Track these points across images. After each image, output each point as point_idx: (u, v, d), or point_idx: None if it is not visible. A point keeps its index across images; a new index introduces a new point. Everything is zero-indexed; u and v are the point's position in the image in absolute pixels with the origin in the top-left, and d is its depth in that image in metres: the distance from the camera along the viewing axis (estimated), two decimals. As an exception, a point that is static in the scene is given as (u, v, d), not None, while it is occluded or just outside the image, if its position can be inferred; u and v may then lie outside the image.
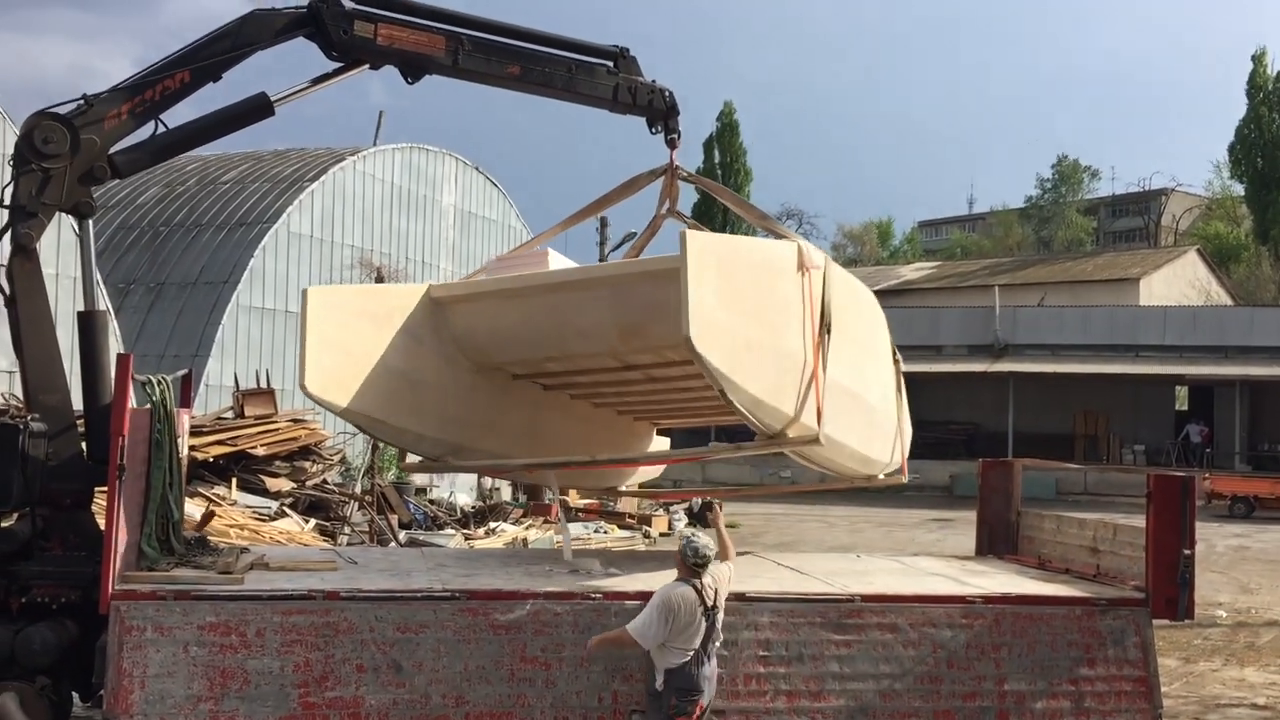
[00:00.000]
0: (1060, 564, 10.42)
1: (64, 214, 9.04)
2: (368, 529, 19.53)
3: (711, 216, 46.11)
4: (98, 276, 9.38)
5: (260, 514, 17.72)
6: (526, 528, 22.55)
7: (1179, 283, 59.01)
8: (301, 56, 9.43)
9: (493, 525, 22.82)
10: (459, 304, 10.08)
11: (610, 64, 10.25)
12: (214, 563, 8.73)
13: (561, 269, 9.93)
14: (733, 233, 10.05)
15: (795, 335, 8.58)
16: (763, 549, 14.38)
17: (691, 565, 7.63)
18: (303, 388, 9.19)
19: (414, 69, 9.60)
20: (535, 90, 10.10)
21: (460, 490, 27.58)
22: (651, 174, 10.49)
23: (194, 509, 14.75)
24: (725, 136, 61.72)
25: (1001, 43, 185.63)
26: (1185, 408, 47.38)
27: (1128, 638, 8.87)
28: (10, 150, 8.83)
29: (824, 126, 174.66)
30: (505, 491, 29.17)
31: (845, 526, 29.18)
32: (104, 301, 18.15)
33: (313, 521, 18.67)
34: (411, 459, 10.82)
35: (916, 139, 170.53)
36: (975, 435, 41.64)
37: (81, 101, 8.74)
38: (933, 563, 11.29)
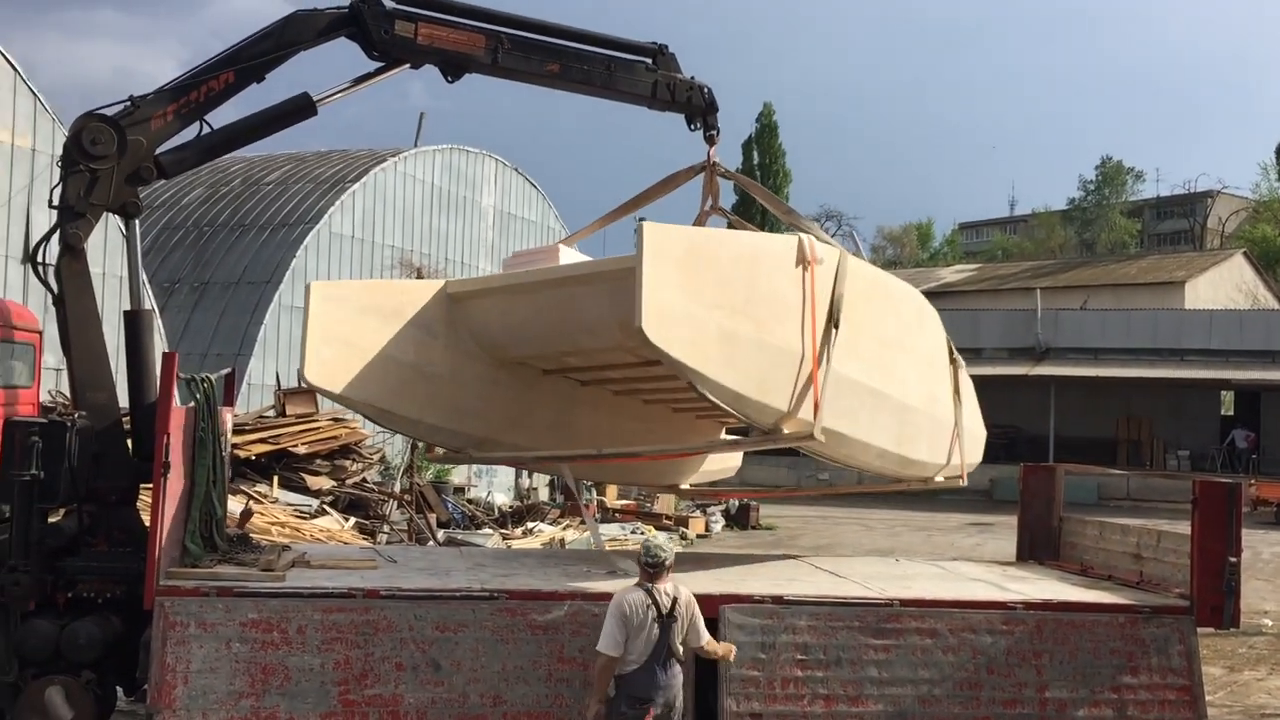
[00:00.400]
0: (1103, 570, 10.32)
1: (111, 214, 9.17)
2: (407, 528, 19.63)
3: (754, 214, 46.09)
4: (143, 276, 9.50)
5: (301, 512, 17.86)
6: (564, 528, 22.57)
7: (1225, 286, 58.20)
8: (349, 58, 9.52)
9: (530, 525, 22.88)
10: (473, 300, 10.18)
11: (649, 61, 10.27)
12: (256, 560, 8.81)
13: (566, 264, 9.94)
14: (772, 230, 10.00)
15: (791, 330, 8.52)
16: (800, 552, 14.32)
17: (644, 565, 7.59)
18: (302, 377, 9.45)
19: (454, 68, 9.66)
20: (574, 88, 10.13)
21: (498, 490, 27.69)
22: (690, 170, 10.51)
23: (236, 506, 14.89)
24: (764, 138, 61.44)
25: (1044, 42, 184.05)
26: (1231, 413, 46.74)
27: (1172, 646, 8.77)
28: (59, 151, 8.95)
29: (864, 128, 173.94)
30: (543, 492, 29.25)
31: (883, 530, 29.01)
32: (149, 301, 18.35)
33: (352, 520, 18.80)
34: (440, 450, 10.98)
35: (957, 140, 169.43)
36: (1016, 439, 41.21)
37: (128, 103, 8.86)
38: (973, 568, 11.21)
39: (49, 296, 8.90)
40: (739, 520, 28.46)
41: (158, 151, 8.96)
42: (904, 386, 9.83)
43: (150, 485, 8.13)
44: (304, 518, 17.56)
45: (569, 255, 10.08)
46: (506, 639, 8.04)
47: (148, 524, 8.19)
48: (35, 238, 8.99)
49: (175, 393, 8.26)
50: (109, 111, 8.81)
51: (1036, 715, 8.47)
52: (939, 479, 10.85)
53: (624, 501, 28.18)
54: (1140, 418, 43.34)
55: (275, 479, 18.62)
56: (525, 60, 9.80)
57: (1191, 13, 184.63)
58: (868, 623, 8.45)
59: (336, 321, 9.55)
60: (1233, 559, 8.87)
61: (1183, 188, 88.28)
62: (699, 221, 10.77)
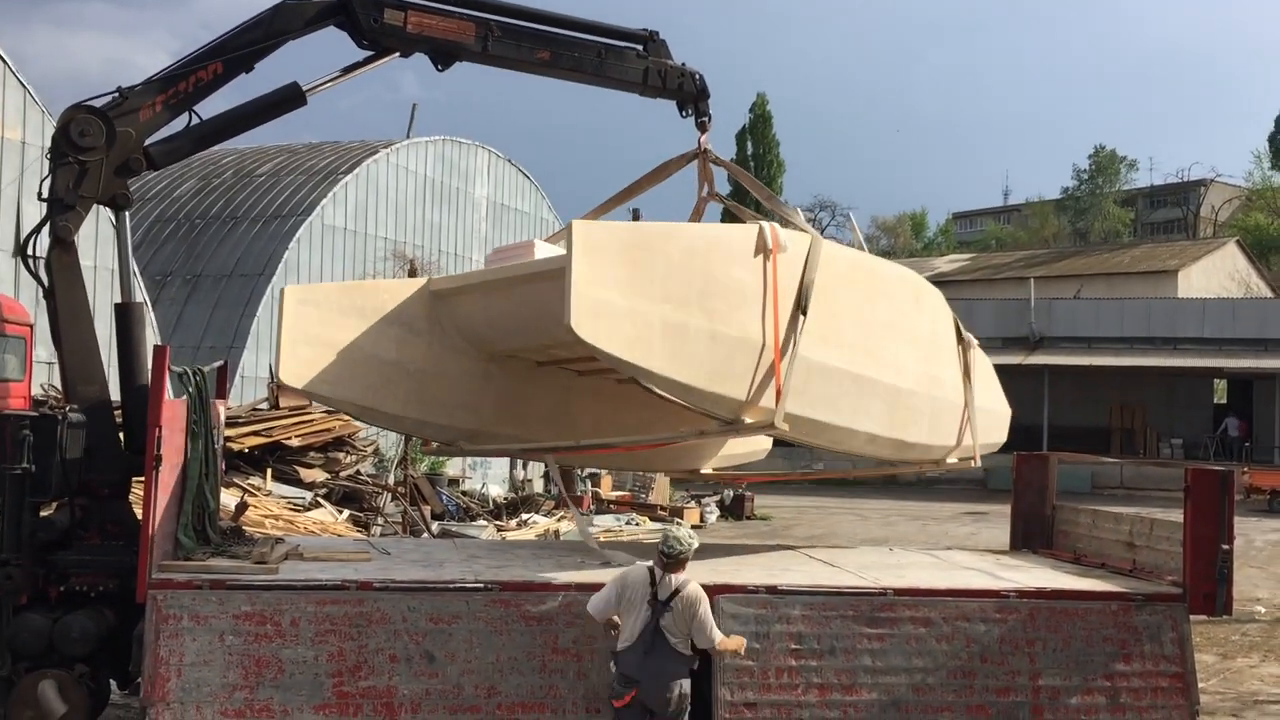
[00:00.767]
0: (1096, 559, 10.34)
1: (101, 206, 9.13)
2: (401, 520, 19.63)
3: (751, 199, 46.31)
4: (135, 268, 9.50)
5: (295, 504, 17.85)
6: (559, 520, 22.58)
7: (1218, 275, 58.29)
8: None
9: (525, 517, 22.89)
10: (455, 296, 10.21)
11: (640, 48, 10.24)
12: (249, 553, 8.80)
13: (539, 259, 9.96)
14: (769, 215, 9.93)
15: (749, 319, 8.50)
16: (794, 541, 14.33)
17: (660, 554, 7.63)
18: (278, 380, 9.57)
19: (444, 56, 9.63)
20: (565, 75, 10.11)
21: (493, 482, 27.68)
22: (682, 159, 10.50)
23: (229, 499, 14.88)
24: (758, 128, 61.50)
25: (1037, 31, 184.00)
26: (1224, 401, 46.84)
27: (1164, 633, 8.79)
28: (49, 144, 8.91)
29: (857, 118, 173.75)
30: (538, 484, 29.24)
31: (878, 519, 29.05)
32: (141, 293, 18.34)
33: (346, 512, 18.79)
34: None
35: (950, 130, 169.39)
36: (1009, 428, 41.27)
37: (116, 94, 8.82)
38: (967, 556, 11.23)
39: (39, 289, 8.87)
40: (734, 510, 28.50)
41: (147, 143, 8.93)
42: (896, 370, 9.77)
43: (142, 478, 8.11)
44: (297, 510, 17.55)
45: (544, 250, 10.07)
46: (500, 630, 8.04)
47: (140, 517, 8.17)
48: (25, 230, 8.93)
49: (167, 386, 8.24)
50: (97, 103, 8.77)
51: (1030, 703, 8.49)
52: (951, 460, 10.81)
53: (619, 493, 28.21)
54: (1133, 406, 43.43)
55: (269, 472, 18.60)
56: (516, 48, 9.77)
57: (1184, 1, 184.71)
58: (862, 612, 8.46)
59: (312, 323, 9.62)
60: (1225, 546, 8.90)
61: (1176, 176, 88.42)
62: (697, 209, 10.74)
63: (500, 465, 29.42)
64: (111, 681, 8.81)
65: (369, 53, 9.55)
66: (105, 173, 8.76)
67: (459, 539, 15.46)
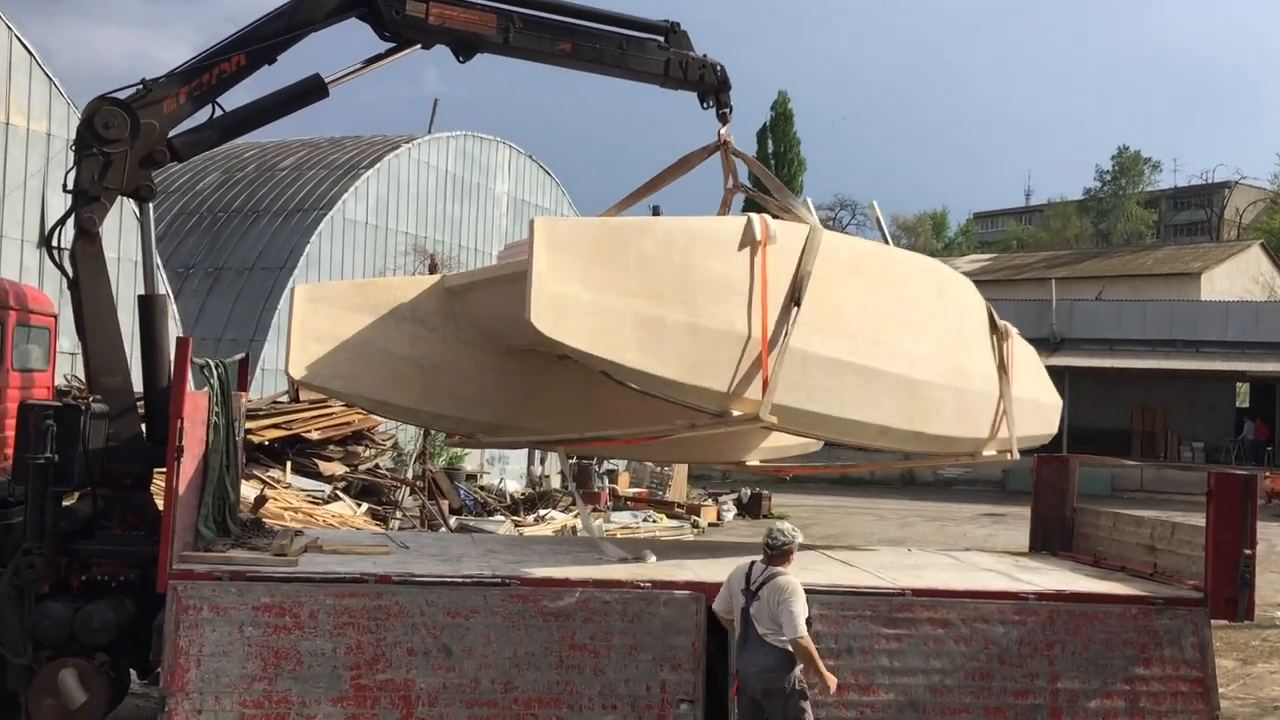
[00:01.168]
0: (1116, 562, 10.28)
1: (125, 198, 9.18)
2: (419, 514, 19.68)
3: (780, 174, 46.46)
4: (158, 260, 9.54)
5: (314, 497, 17.92)
6: (576, 515, 22.60)
7: (1241, 277, 57.89)
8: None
9: (542, 512, 22.91)
10: (468, 292, 10.25)
11: (661, 39, 10.23)
12: (269, 545, 8.85)
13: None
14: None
15: (734, 312, 8.48)
16: (811, 541, 14.30)
17: (764, 546, 7.66)
18: (288, 375, 9.65)
19: (466, 48, 9.65)
20: (586, 67, 10.11)
21: (510, 477, 27.72)
22: (703, 151, 10.47)
23: (250, 491, 14.95)
24: (779, 126, 61.30)
25: (1060, 30, 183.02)
26: (1246, 404, 46.52)
27: (1185, 637, 8.74)
28: (74, 136, 8.97)
29: (879, 117, 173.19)
30: (555, 479, 29.27)
31: (895, 520, 28.97)
32: (164, 285, 18.42)
33: (365, 506, 18.85)
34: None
35: (972, 129, 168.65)
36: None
37: (140, 86, 8.87)
38: (985, 558, 11.18)
39: (64, 280, 8.93)
40: (751, 509, 28.46)
41: (171, 134, 8.97)
42: (909, 362, 9.62)
43: (164, 469, 8.15)
44: (317, 503, 17.62)
45: None
46: (518, 625, 8.06)
47: (161, 508, 8.22)
48: (50, 222, 9.01)
49: (189, 378, 8.28)
50: (122, 95, 8.82)
51: (1048, 706, 8.45)
52: (988, 452, 10.62)
53: (636, 489, 28.21)
54: (1155, 409, 43.17)
55: (288, 464, 18.68)
56: (537, 39, 9.78)
57: (1210, 2, 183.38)
58: (880, 612, 8.44)
59: (323, 320, 9.68)
60: (1247, 551, 8.84)
61: (1200, 178, 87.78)
62: (724, 201, 10.70)
63: (518, 461, 29.47)
64: (131, 671, 8.87)
65: (391, 44, 9.57)
66: (129, 164, 8.81)
67: (477, 534, 15.49)
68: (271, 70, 9.22)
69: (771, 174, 10.76)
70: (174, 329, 16.65)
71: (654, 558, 9.45)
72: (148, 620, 8.24)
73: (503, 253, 10.91)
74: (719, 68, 10.40)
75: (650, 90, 10.44)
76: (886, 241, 11.31)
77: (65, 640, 8.23)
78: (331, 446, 19.81)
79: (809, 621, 7.45)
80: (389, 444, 21.76)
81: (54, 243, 8.97)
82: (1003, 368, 10.52)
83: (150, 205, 9.23)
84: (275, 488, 17.17)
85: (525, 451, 29.04)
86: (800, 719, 7.41)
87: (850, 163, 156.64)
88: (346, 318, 9.78)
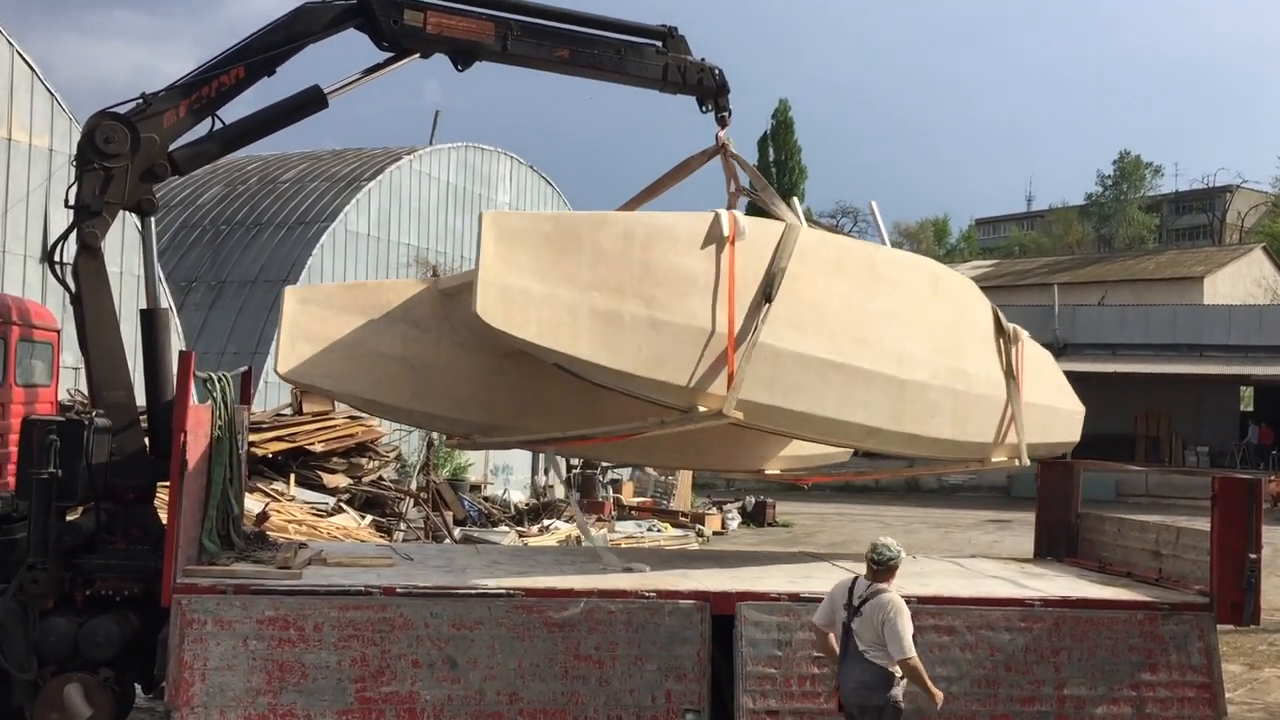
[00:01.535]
0: (1121, 567, 10.26)
1: (127, 212, 9.20)
2: (423, 525, 19.67)
3: (781, 182, 46.73)
4: (160, 274, 9.55)
5: (318, 510, 17.91)
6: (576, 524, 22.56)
7: (1244, 281, 57.87)
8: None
9: (546, 523, 22.89)
10: (461, 294, 10.21)
11: (659, 44, 10.24)
12: (273, 558, 8.84)
13: None
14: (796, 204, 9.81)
15: (699, 306, 8.48)
16: (816, 548, 14.27)
17: (867, 561, 7.59)
18: (277, 373, 9.65)
19: (464, 56, 9.67)
20: (585, 73, 10.13)
21: (514, 488, 27.70)
22: (703, 155, 10.47)
23: (253, 504, 14.95)
24: (780, 134, 61.35)
25: (1061, 36, 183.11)
26: (1251, 408, 46.46)
27: (1191, 643, 8.71)
28: (75, 151, 8.99)
29: (879, 124, 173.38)
30: (559, 489, 29.25)
31: (900, 526, 28.90)
32: (166, 299, 18.46)
33: (369, 517, 18.84)
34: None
35: (973, 135, 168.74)
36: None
37: (140, 100, 8.89)
38: (990, 565, 11.15)
39: (67, 295, 8.93)
40: (755, 517, 28.42)
41: (171, 148, 8.99)
42: (899, 361, 9.47)
43: (167, 483, 8.15)
44: (321, 515, 17.61)
45: None
46: (523, 636, 8.04)
47: (165, 522, 8.22)
48: (53, 237, 9.02)
49: (192, 391, 8.28)
50: (122, 110, 8.84)
51: (1055, 713, 8.43)
52: (998, 459, 10.40)
53: (640, 499, 28.18)
54: (1159, 413, 43.14)
55: (292, 477, 18.67)
56: (535, 46, 9.80)
57: (1210, 5, 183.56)
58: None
59: (313, 320, 9.70)
60: (1253, 555, 8.82)
61: (1201, 182, 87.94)
62: (730, 204, 10.68)
63: (522, 471, 29.46)
64: (136, 685, 8.85)
65: (389, 54, 9.60)
66: (130, 178, 8.82)
67: (481, 544, 15.47)
68: (271, 82, 9.27)
69: (759, 174, 10.73)
70: (177, 342, 16.68)
71: (647, 568, 9.42)
72: (152, 634, 8.23)
73: None
74: (717, 71, 10.41)
75: (653, 99, 10.47)
76: (884, 241, 11.24)
77: (70, 655, 8.22)
78: (335, 459, 19.79)
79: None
80: (393, 456, 21.75)
81: (56, 258, 8.98)
82: (1010, 371, 10.31)
83: (152, 219, 9.24)
84: (279, 500, 17.17)
85: (529, 462, 29.04)
86: None
87: (852, 170, 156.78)
88: (336, 318, 9.79)
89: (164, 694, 7.82)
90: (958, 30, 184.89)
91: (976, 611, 8.58)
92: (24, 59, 19.65)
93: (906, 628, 7.26)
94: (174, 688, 7.62)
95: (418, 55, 9.64)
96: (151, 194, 9.04)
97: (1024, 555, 12.04)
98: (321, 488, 19.00)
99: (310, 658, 7.78)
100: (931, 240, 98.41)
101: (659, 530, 24.13)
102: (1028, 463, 10.53)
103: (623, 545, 20.39)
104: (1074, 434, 11.44)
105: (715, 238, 8.64)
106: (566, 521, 23.20)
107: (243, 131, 9.35)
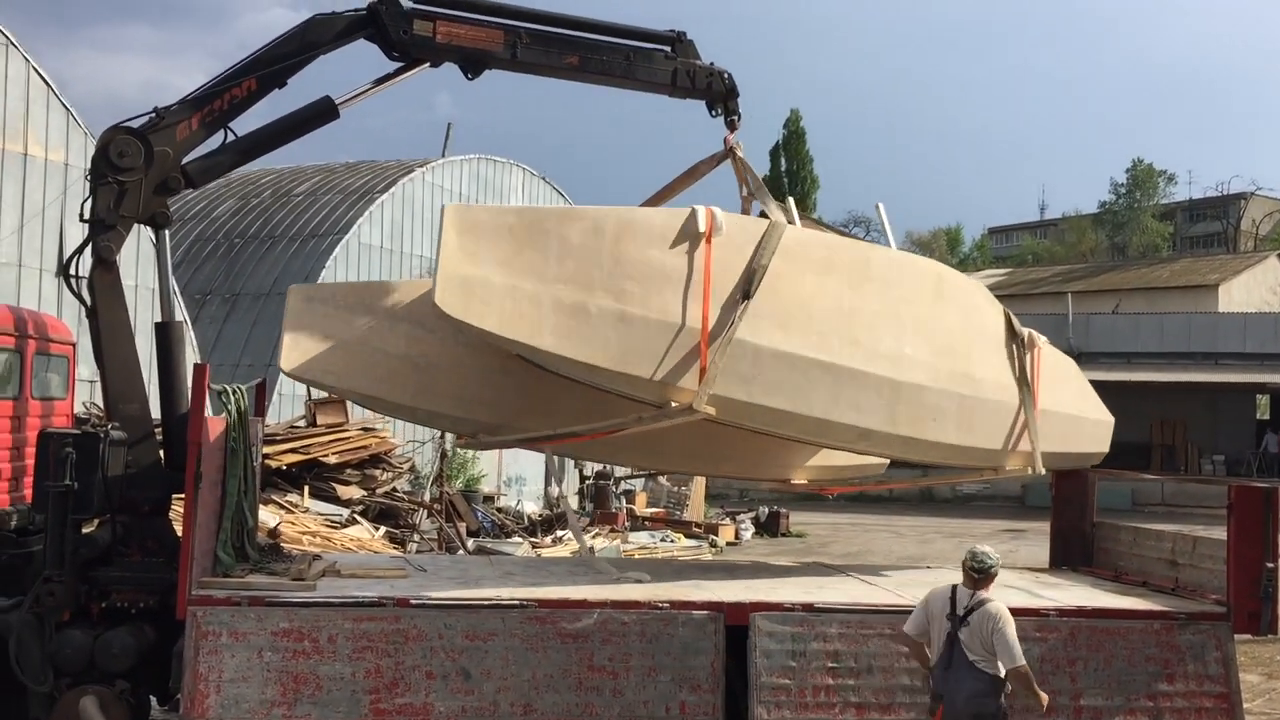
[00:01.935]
0: (1137, 576, 10.21)
1: (142, 226, 9.25)
2: (436, 537, 19.68)
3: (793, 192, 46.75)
4: (175, 287, 9.60)
5: (331, 521, 17.94)
6: (593, 536, 22.56)
7: (1259, 289, 57.57)
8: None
9: (560, 534, 22.88)
10: None
11: (668, 49, 10.27)
12: (287, 569, 8.86)
13: None
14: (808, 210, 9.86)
15: (671, 301, 8.50)
16: (830, 559, 14.24)
17: (965, 569, 7.67)
18: (280, 369, 9.71)
19: (473, 65, 9.73)
20: (594, 79, 10.17)
21: (527, 499, 27.72)
22: (712, 160, 10.50)
23: (268, 516, 14.98)
24: (792, 144, 61.45)
25: (1073, 43, 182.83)
26: (1267, 416, 46.22)
27: (1208, 652, 8.67)
28: (89, 165, 9.05)
29: (891, 133, 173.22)
30: (573, 500, 29.25)
31: (914, 537, 28.84)
32: (181, 312, 18.55)
33: (383, 529, 18.87)
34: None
35: (986, 144, 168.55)
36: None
37: (153, 114, 8.95)
38: (1006, 574, 11.05)
39: (82, 309, 8.99)
40: (769, 527, 28.37)
41: (185, 161, 9.05)
42: (894, 363, 9.36)
43: (182, 495, 8.18)
44: (334, 527, 17.64)
45: None
46: (536, 647, 8.04)
47: (180, 534, 8.25)
48: (68, 251, 9.08)
49: (207, 403, 8.32)
50: (135, 124, 8.90)
51: (1071, 723, 8.38)
52: (1012, 466, 10.26)
53: (653, 509, 28.16)
54: (1174, 422, 42.95)
55: (306, 489, 18.71)
56: (544, 54, 9.85)
57: (1223, 11, 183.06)
58: (900, 630, 8.39)
59: (316, 318, 9.72)
60: (1270, 564, 8.77)
61: (1216, 190, 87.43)
62: (743, 210, 10.65)
63: (535, 482, 29.46)
64: (151, 697, 8.87)
65: (399, 64, 9.65)
66: (145, 192, 8.89)
67: (494, 556, 15.49)
68: (283, 94, 9.31)
69: (754, 172, 10.73)
70: (191, 355, 16.74)
71: (646, 578, 9.39)
72: (167, 646, 8.26)
73: None
74: (726, 75, 10.44)
75: (666, 109, 10.52)
76: (890, 243, 11.20)
77: (85, 667, 8.25)
78: (349, 470, 19.84)
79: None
80: (406, 467, 21.79)
81: (72, 271, 9.04)
82: (1023, 377, 10.14)
83: (166, 232, 9.29)
84: (293, 512, 17.21)
85: (542, 473, 29.05)
86: None
87: (864, 180, 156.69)
88: (340, 316, 9.82)
89: (179, 706, 7.84)
90: (968, 40, 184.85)
91: (992, 621, 8.52)
92: (40, 74, 19.78)
93: (1015, 636, 7.42)
94: (189, 700, 7.64)
95: (428, 64, 9.70)
96: (166, 207, 9.10)
97: (1039, 565, 11.99)
98: (335, 499, 19.04)
99: (325, 669, 7.80)
100: (944, 249, 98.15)
101: (672, 541, 24.11)
102: (1042, 471, 10.38)
103: (636, 556, 20.40)
104: (1102, 445, 11.17)
105: (691, 233, 8.68)
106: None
107: (255, 143, 9.40)
